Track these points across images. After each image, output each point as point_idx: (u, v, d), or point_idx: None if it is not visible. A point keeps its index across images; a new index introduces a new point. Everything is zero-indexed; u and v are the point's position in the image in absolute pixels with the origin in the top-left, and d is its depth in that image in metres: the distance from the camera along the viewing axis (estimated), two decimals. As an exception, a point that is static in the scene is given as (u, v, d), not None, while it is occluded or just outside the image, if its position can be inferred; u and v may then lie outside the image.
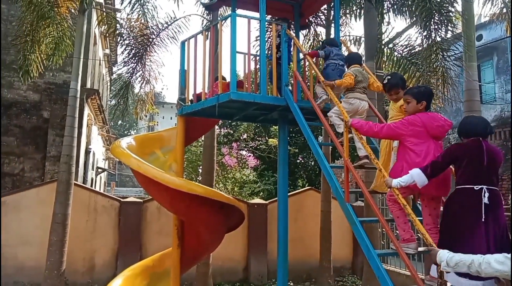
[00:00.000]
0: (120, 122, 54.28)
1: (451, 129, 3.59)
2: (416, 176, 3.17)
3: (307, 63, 6.27)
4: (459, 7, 7.77)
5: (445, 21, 7.28)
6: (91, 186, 15.67)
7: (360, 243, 3.50)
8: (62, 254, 7.62)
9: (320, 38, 9.76)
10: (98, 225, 8.62)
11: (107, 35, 14.12)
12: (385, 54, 9.10)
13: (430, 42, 7.25)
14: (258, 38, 8.64)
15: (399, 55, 8.84)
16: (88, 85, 13.41)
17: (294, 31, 6.36)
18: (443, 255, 2.53)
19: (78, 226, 8.27)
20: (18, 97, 12.86)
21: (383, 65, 9.24)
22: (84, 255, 8.44)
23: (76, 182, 8.68)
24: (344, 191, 3.84)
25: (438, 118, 3.50)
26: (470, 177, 3.04)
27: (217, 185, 14.15)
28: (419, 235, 3.79)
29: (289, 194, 6.08)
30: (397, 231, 3.82)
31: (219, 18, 8.00)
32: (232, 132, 18.58)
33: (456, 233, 2.97)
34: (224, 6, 9.03)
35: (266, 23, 5.40)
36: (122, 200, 9.04)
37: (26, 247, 8.10)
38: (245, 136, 18.38)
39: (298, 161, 17.87)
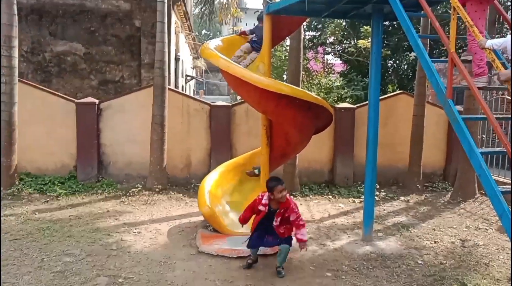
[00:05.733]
0: (204, 31, 54.76)
1: None
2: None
3: None
4: None
5: None
6: (183, 92, 16.52)
7: (462, 142, 3.27)
8: (163, 152, 8.41)
9: None
10: (191, 126, 9.20)
11: None
12: None
13: None
14: None
15: None
16: (173, -9, 13.43)
17: None
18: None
19: (174, 128, 8.92)
20: (111, 7, 13.38)
21: None
22: (182, 153, 9.21)
23: (169, 87, 9.17)
24: (446, 87, 3.51)
25: None
26: None
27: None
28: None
29: (380, 98, 5.78)
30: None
31: None
32: (317, 35, 17.72)
33: None
34: None
35: None
36: (212, 103, 9.43)
37: (132, 144, 9.03)
38: (331, 39, 17.44)
39: (389, 65, 16.77)
